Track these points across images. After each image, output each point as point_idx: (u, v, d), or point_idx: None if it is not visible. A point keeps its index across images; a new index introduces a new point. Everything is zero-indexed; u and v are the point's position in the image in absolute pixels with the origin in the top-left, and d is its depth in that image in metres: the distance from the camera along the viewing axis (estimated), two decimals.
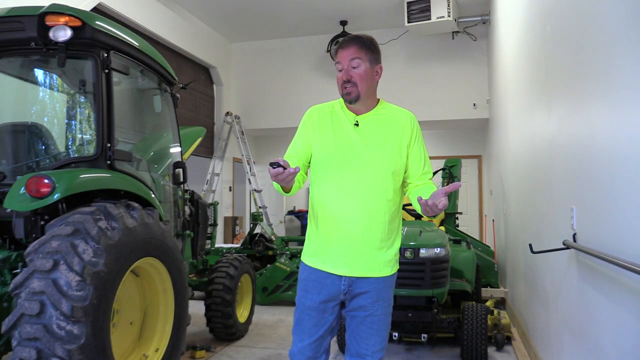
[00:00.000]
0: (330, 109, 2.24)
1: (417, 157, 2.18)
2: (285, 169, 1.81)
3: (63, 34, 2.83)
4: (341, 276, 2.13)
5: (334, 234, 2.14)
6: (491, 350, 4.35)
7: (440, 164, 6.45)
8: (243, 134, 9.14)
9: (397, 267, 2.22)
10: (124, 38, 3.22)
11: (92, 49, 2.99)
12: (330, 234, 2.15)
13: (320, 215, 2.17)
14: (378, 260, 2.13)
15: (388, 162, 2.12)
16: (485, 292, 5.91)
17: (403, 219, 3.63)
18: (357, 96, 2.12)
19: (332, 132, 2.18)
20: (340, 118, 2.20)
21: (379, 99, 2.25)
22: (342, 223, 2.11)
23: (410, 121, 2.19)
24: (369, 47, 2.14)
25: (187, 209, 4.34)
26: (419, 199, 1.90)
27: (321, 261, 2.16)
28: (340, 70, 2.14)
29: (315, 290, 2.17)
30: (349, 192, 2.11)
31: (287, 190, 2.07)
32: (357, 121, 2.17)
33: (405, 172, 2.19)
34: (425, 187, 2.12)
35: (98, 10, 5.93)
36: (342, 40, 2.18)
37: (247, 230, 7.63)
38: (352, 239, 2.11)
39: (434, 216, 1.96)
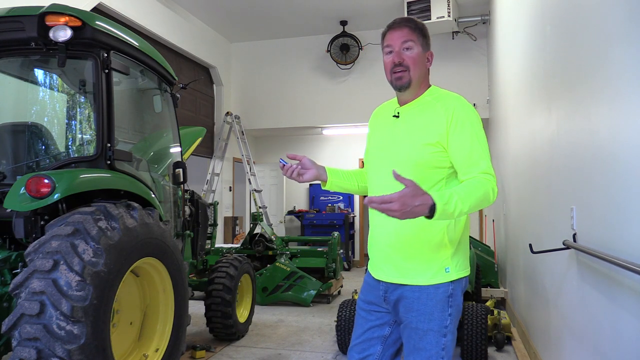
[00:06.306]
0: (386, 104, 2.10)
1: (457, 147, 1.83)
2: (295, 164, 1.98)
3: (63, 34, 2.83)
4: (379, 281, 1.98)
5: (371, 238, 2.04)
6: (491, 350, 4.35)
7: None
8: (243, 134, 9.14)
9: (445, 277, 1.86)
10: (124, 38, 3.22)
11: (92, 49, 2.99)
12: (370, 238, 2.05)
13: (370, 218, 2.08)
14: (404, 267, 1.90)
15: (410, 154, 1.87)
16: (485, 292, 5.90)
17: None
18: (409, 82, 1.92)
19: (376, 129, 2.07)
20: (385, 112, 2.05)
21: (430, 85, 2.03)
22: (373, 227, 2.02)
23: (447, 108, 1.87)
24: (422, 31, 1.97)
25: (187, 209, 4.34)
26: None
27: (370, 264, 2.07)
28: (389, 53, 1.94)
29: (364, 290, 2.08)
30: (378, 193, 1.94)
31: (347, 191, 2.14)
32: (397, 112, 1.98)
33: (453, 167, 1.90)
34: (466, 185, 1.77)
35: (98, 10, 5.93)
36: (393, 22, 1.97)
37: (247, 230, 7.63)
38: (380, 244, 1.97)
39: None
